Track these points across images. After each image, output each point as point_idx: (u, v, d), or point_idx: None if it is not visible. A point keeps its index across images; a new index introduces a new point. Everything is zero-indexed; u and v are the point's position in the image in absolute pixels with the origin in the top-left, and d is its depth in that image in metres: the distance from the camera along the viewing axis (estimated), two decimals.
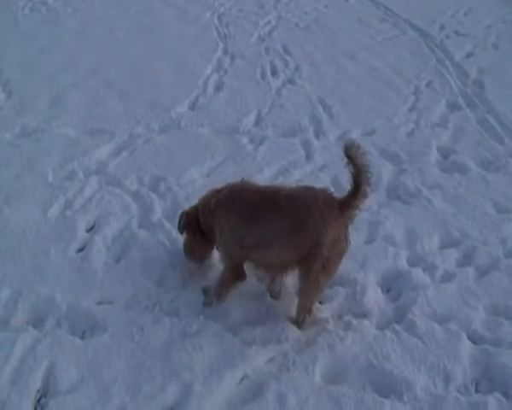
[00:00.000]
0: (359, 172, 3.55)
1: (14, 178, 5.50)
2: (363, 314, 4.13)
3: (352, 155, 3.51)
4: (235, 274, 4.07)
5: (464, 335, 3.93)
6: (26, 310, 4.08)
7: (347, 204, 3.68)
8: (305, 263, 3.75)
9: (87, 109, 6.97)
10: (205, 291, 4.20)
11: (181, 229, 4.32)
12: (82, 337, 3.92)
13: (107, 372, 3.61)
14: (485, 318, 4.12)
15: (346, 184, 3.71)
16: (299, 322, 3.98)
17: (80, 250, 4.68)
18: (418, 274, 4.49)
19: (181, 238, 4.46)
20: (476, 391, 3.61)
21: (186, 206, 5.06)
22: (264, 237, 3.79)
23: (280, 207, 3.75)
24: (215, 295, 4.11)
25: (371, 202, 5.31)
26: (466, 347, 3.84)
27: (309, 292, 3.86)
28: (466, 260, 4.71)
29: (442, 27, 10.92)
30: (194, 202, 4.37)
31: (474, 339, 3.94)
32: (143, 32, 9.92)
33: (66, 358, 3.69)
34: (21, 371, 3.59)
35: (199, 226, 4.19)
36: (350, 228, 3.88)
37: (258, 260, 3.94)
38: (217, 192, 4.07)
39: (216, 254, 4.38)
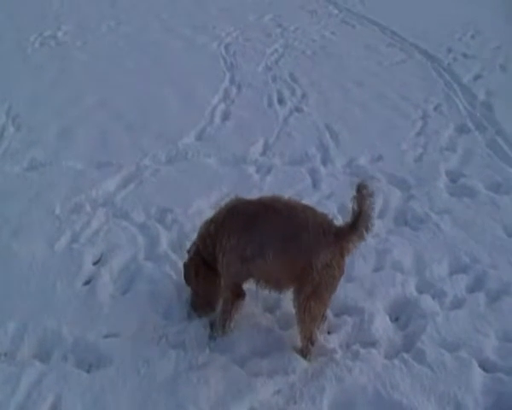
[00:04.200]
0: (361, 215, 3.55)
1: (22, 212, 5.52)
2: (372, 343, 4.06)
3: (360, 195, 3.52)
4: (234, 294, 4.06)
5: (475, 363, 3.84)
6: (32, 344, 4.07)
7: (342, 235, 3.67)
8: (297, 285, 3.74)
9: (94, 142, 7.02)
10: (211, 324, 4.17)
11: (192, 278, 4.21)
12: (88, 371, 3.89)
13: (112, 406, 3.58)
14: (497, 345, 4.03)
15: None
16: (303, 352, 3.93)
17: (87, 283, 4.67)
18: (427, 301, 4.42)
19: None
20: None
21: (193, 237, 5.08)
22: (261, 245, 3.75)
23: (277, 214, 3.75)
24: (220, 324, 4.09)
25: (379, 228, 5.30)
26: (477, 375, 3.76)
27: (303, 319, 3.79)
28: (476, 285, 4.63)
29: (449, 50, 10.94)
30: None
31: (486, 367, 3.85)
32: (151, 63, 10.04)
33: (71, 392, 3.67)
34: (27, 406, 3.57)
35: (204, 262, 4.13)
36: (357, 255, 3.86)
37: (257, 272, 3.90)
38: (212, 219, 4.06)
39: None
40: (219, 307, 4.19)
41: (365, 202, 3.52)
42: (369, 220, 3.58)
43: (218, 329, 4.11)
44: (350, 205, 3.59)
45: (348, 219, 3.63)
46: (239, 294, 4.09)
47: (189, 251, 4.27)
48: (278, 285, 3.93)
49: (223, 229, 3.92)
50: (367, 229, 3.60)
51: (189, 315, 4.29)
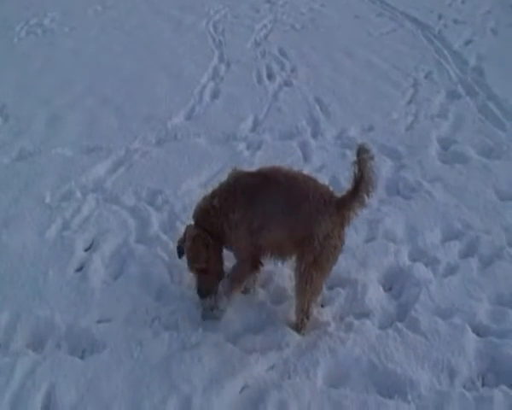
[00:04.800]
0: (362, 179, 3.53)
1: (12, 202, 5.49)
2: (365, 314, 4.06)
3: (361, 159, 3.49)
4: (252, 265, 3.95)
5: (469, 328, 3.84)
6: (25, 333, 4.05)
7: (343, 203, 3.67)
8: (299, 253, 3.72)
9: (83, 128, 6.96)
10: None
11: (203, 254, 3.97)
12: (81, 357, 3.88)
13: (106, 390, 3.58)
14: (490, 309, 4.03)
15: (345, 183, 3.70)
16: (298, 326, 3.91)
17: (79, 270, 4.65)
18: (420, 269, 4.41)
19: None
20: (483, 385, 3.52)
21: (183, 217, 5.07)
22: (265, 216, 3.73)
23: (279, 185, 3.74)
24: (224, 292, 3.93)
25: (371, 199, 5.24)
26: (471, 340, 3.76)
27: (303, 290, 3.76)
28: (469, 251, 4.62)
29: (440, 17, 10.84)
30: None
31: (479, 332, 3.86)
32: (139, 45, 9.93)
33: (65, 379, 3.66)
34: (21, 396, 3.57)
35: (209, 233, 3.97)
36: (348, 228, 3.84)
37: (265, 243, 3.83)
38: (214, 193, 3.96)
39: None
40: (229, 273, 4.01)
41: (366, 165, 3.50)
42: (371, 184, 3.57)
43: (223, 292, 3.94)
44: (342, 176, 3.55)
45: (349, 186, 3.62)
46: (256, 265, 3.97)
47: (181, 240, 4.11)
48: (281, 252, 3.88)
49: (227, 203, 3.85)
50: (368, 193, 3.60)
51: (182, 295, 4.26)
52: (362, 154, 3.49)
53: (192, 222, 4.11)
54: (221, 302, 3.99)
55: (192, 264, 4.01)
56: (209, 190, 4.10)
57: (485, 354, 3.65)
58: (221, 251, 4.09)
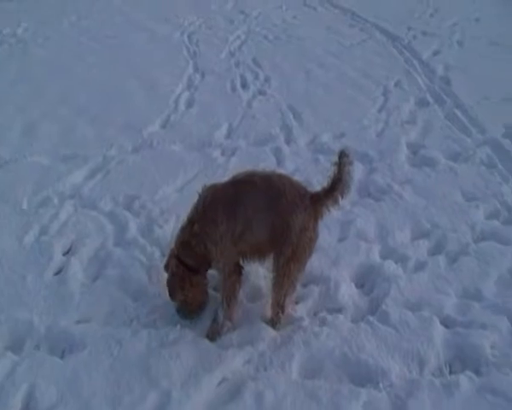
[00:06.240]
0: (339, 180, 3.73)
1: None
2: (338, 309, 4.18)
3: (342, 162, 3.70)
4: (235, 273, 4.00)
5: (437, 320, 3.98)
6: (4, 337, 4.07)
7: (317, 198, 3.84)
8: (277, 249, 3.84)
9: (59, 136, 7.02)
10: (209, 335, 4.02)
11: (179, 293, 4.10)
12: (61, 357, 3.92)
13: (86, 389, 3.62)
14: (456, 302, 4.18)
15: (318, 186, 3.88)
16: (273, 320, 4.01)
17: (57, 273, 4.70)
18: (390, 266, 4.55)
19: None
20: (450, 372, 3.66)
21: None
22: (247, 220, 3.82)
23: (256, 187, 3.85)
24: (226, 317, 4.00)
25: (344, 201, 5.39)
26: (439, 331, 3.90)
27: (280, 283, 3.88)
28: (437, 248, 4.79)
29: (409, 29, 11.17)
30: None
31: (447, 323, 4.00)
32: (114, 56, 10.05)
33: (45, 378, 3.69)
34: (0, 397, 3.58)
35: (188, 270, 4.04)
36: (321, 227, 3.98)
37: (247, 247, 3.92)
38: (192, 219, 3.99)
39: None
40: (221, 294, 4.07)
41: (345, 168, 3.71)
42: (346, 187, 3.77)
43: (224, 323, 4.01)
44: (314, 179, 3.69)
45: (324, 185, 3.82)
46: (239, 272, 4.04)
47: (166, 266, 4.18)
48: (262, 253, 3.99)
49: (208, 222, 3.90)
50: (342, 194, 3.80)
51: (160, 294, 4.33)
52: (342, 157, 3.70)
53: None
54: (226, 328, 4.02)
55: (170, 297, 4.14)
56: (184, 217, 4.11)
57: (452, 344, 3.80)
58: (204, 282, 4.16)
